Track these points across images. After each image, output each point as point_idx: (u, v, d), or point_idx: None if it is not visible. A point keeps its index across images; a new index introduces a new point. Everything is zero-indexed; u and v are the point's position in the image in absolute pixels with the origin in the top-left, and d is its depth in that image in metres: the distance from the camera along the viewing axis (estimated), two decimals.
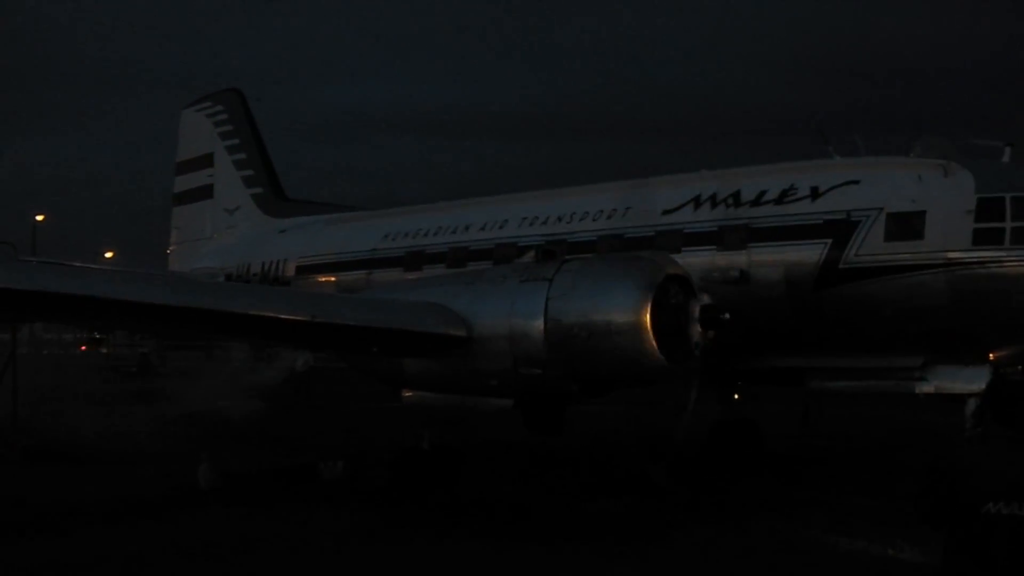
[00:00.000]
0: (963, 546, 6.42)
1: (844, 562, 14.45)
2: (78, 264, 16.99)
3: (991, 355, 17.29)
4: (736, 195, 19.37)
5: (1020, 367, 18.68)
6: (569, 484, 20.39)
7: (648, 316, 15.77)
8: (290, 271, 28.92)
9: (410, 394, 18.69)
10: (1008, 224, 16.65)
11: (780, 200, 18.81)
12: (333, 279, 27.22)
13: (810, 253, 18.04)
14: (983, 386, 17.25)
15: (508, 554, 14.96)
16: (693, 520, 17.19)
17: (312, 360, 26.25)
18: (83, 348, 59.67)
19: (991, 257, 16.64)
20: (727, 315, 16.50)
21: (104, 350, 59.13)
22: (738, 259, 18.76)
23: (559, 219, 21.90)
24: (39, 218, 66.78)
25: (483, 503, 18.42)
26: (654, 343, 15.80)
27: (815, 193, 18.46)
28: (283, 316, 17.63)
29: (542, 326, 16.27)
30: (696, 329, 16.30)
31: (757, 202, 19.06)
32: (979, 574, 6.35)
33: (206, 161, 36.89)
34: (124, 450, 24.25)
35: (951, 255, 16.87)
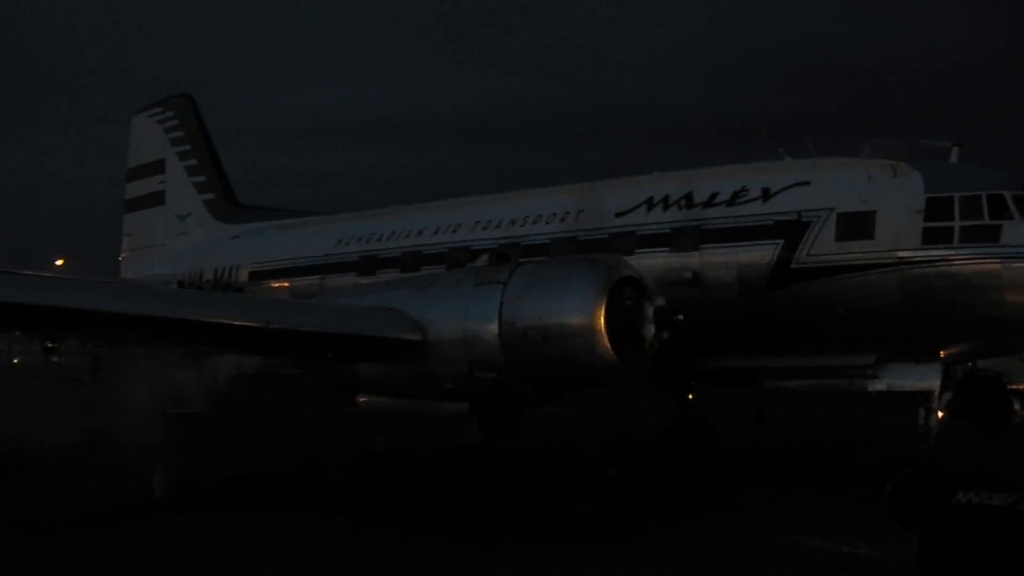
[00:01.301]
0: (939, 539, 6.44)
1: (801, 560, 14.51)
2: (27, 272, 16.76)
3: (942, 353, 17.48)
4: (688, 197, 19.48)
5: (970, 364, 18.88)
6: (527, 488, 20.38)
7: (602, 318, 15.79)
8: (243, 277, 28.76)
9: (365, 399, 18.60)
10: (957, 223, 16.85)
11: (732, 201, 18.93)
12: (287, 285, 27.10)
13: (762, 254, 18.17)
14: (936, 383, 17.44)
15: (470, 558, 14.93)
16: (649, 521, 17.23)
17: (235, 370, 26.06)
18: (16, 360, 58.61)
19: (940, 256, 16.83)
20: (681, 316, 16.57)
21: (55, 359, 58.69)
22: (691, 260, 18.85)
23: (512, 222, 21.91)
24: None
25: (442, 508, 18.36)
26: (608, 345, 15.83)
27: (766, 194, 18.60)
28: (237, 323, 17.54)
29: (496, 329, 16.26)
30: (650, 330, 16.36)
31: (709, 203, 19.17)
32: (955, 566, 6.38)
33: (157, 167, 36.61)
34: (76, 460, 24.02)
35: (901, 254, 17.05)
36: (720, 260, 18.60)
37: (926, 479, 6.51)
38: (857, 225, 17.52)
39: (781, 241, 18.03)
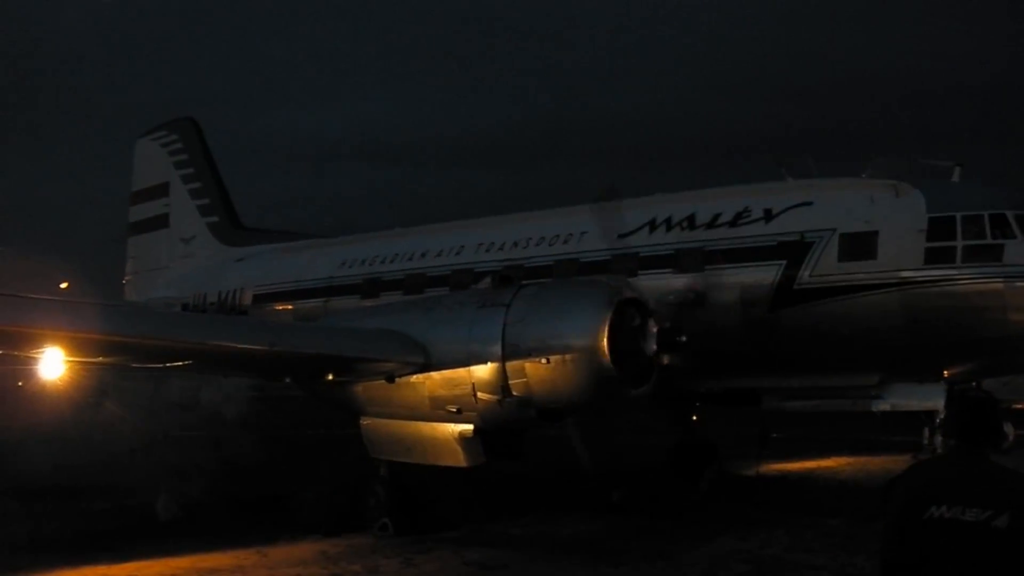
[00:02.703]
0: (903, 555, 6.34)
1: None
2: (32, 296, 16.76)
3: (946, 372, 17.47)
4: (691, 218, 19.51)
5: (974, 383, 18.86)
6: (532, 510, 20.35)
7: (605, 340, 15.85)
8: (247, 300, 28.80)
9: (368, 421, 18.61)
10: (959, 243, 16.87)
11: (734, 223, 18.96)
12: (290, 307, 27.14)
13: (765, 274, 18.19)
14: (940, 403, 17.43)
15: None
16: (654, 542, 17.21)
17: (239, 392, 25.97)
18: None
19: (943, 276, 16.85)
20: (684, 337, 16.60)
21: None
22: (694, 281, 18.84)
23: (515, 244, 21.95)
24: None
25: (447, 529, 18.34)
26: (612, 366, 15.87)
27: (769, 215, 18.63)
28: (241, 345, 17.59)
29: (500, 351, 16.31)
30: (653, 352, 16.39)
31: (712, 225, 19.20)
32: None
33: (161, 191, 36.67)
34: (82, 482, 23.98)
35: (904, 274, 17.07)
36: (723, 281, 18.60)
37: (904, 494, 6.43)
38: (860, 245, 17.54)
39: (784, 262, 18.05)
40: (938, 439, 17.53)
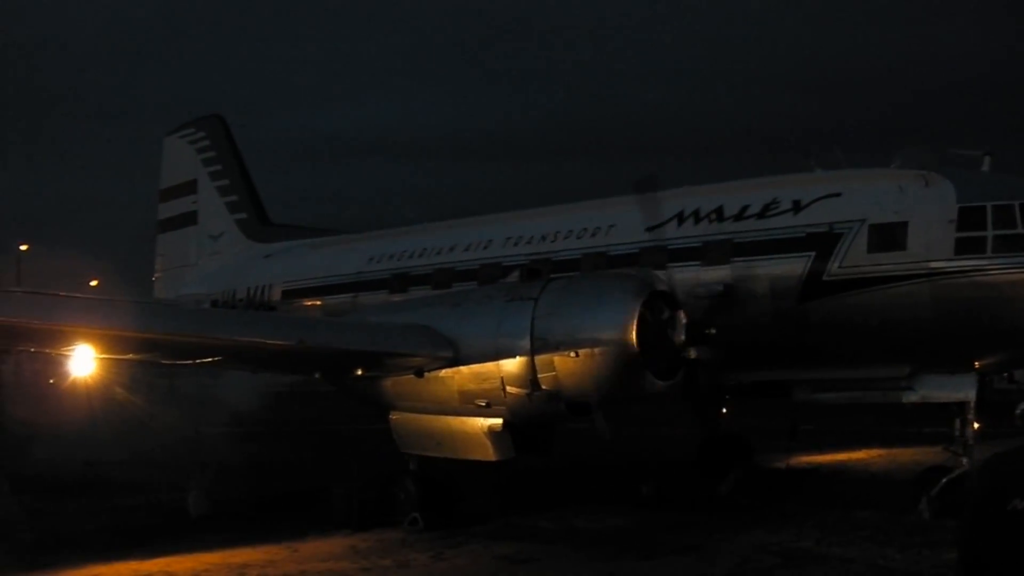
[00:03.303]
0: (991, 546, 6.28)
1: (836, 572, 14.45)
2: (63, 294, 16.92)
3: (976, 363, 17.35)
4: (719, 210, 19.42)
5: (1006, 375, 18.74)
6: (562, 503, 20.35)
7: (634, 333, 15.84)
8: (276, 296, 28.88)
9: (397, 416, 18.65)
10: (990, 233, 16.72)
11: (763, 214, 18.86)
12: (319, 303, 27.18)
13: (794, 266, 18.08)
14: (971, 394, 17.33)
15: (510, 573, 14.95)
16: (684, 535, 17.18)
17: (269, 387, 26.03)
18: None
19: (974, 266, 16.71)
20: (713, 330, 16.55)
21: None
22: (722, 274, 18.77)
23: (543, 238, 21.91)
24: (23, 247, 66.30)
25: (478, 523, 18.37)
26: (641, 359, 15.85)
27: (797, 206, 18.52)
28: (270, 341, 17.67)
29: (528, 345, 16.32)
30: (682, 345, 16.35)
31: (740, 217, 19.11)
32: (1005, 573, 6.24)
33: (190, 188, 36.76)
34: (113, 478, 24.14)
35: (934, 265, 16.94)
36: (751, 273, 18.51)
37: (984, 486, 6.39)
38: (889, 236, 17.40)
39: (813, 253, 17.94)
40: (968, 431, 17.47)
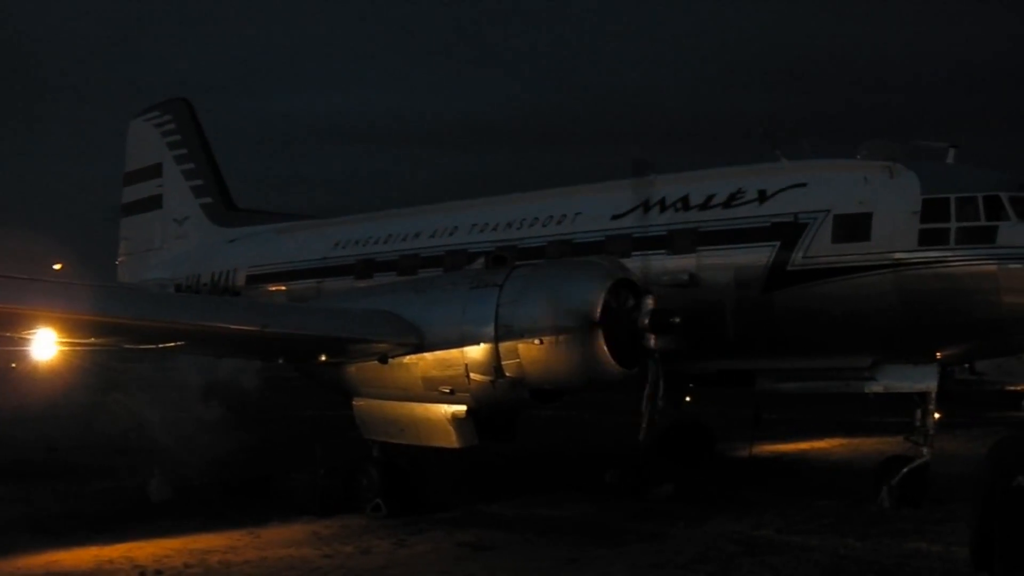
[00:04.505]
0: (1002, 519, 6.69)
1: (797, 560, 14.52)
2: (24, 277, 16.75)
3: (939, 354, 17.47)
4: (685, 199, 19.45)
5: (967, 365, 18.88)
6: (524, 490, 20.36)
7: (599, 320, 15.85)
8: (240, 281, 28.75)
9: (361, 402, 18.60)
10: (953, 224, 16.81)
11: (728, 204, 18.90)
12: (284, 288, 27.09)
13: (758, 256, 18.13)
14: (933, 384, 17.46)
15: (469, 560, 14.94)
16: (647, 523, 17.23)
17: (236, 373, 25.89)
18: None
19: (937, 257, 16.79)
20: (677, 318, 16.58)
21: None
22: (687, 262, 18.81)
23: (509, 225, 21.89)
24: None
25: (440, 510, 18.35)
26: (605, 347, 15.88)
27: (763, 196, 18.57)
28: (234, 327, 17.57)
29: (493, 332, 16.30)
30: (647, 332, 16.38)
31: (705, 206, 19.14)
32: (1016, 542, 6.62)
33: (154, 171, 36.46)
34: (72, 464, 23.99)
35: (898, 256, 17.01)
36: (717, 262, 18.56)
37: (994, 467, 6.81)
38: (854, 227, 17.47)
39: (778, 243, 17.99)
40: (930, 421, 17.61)
